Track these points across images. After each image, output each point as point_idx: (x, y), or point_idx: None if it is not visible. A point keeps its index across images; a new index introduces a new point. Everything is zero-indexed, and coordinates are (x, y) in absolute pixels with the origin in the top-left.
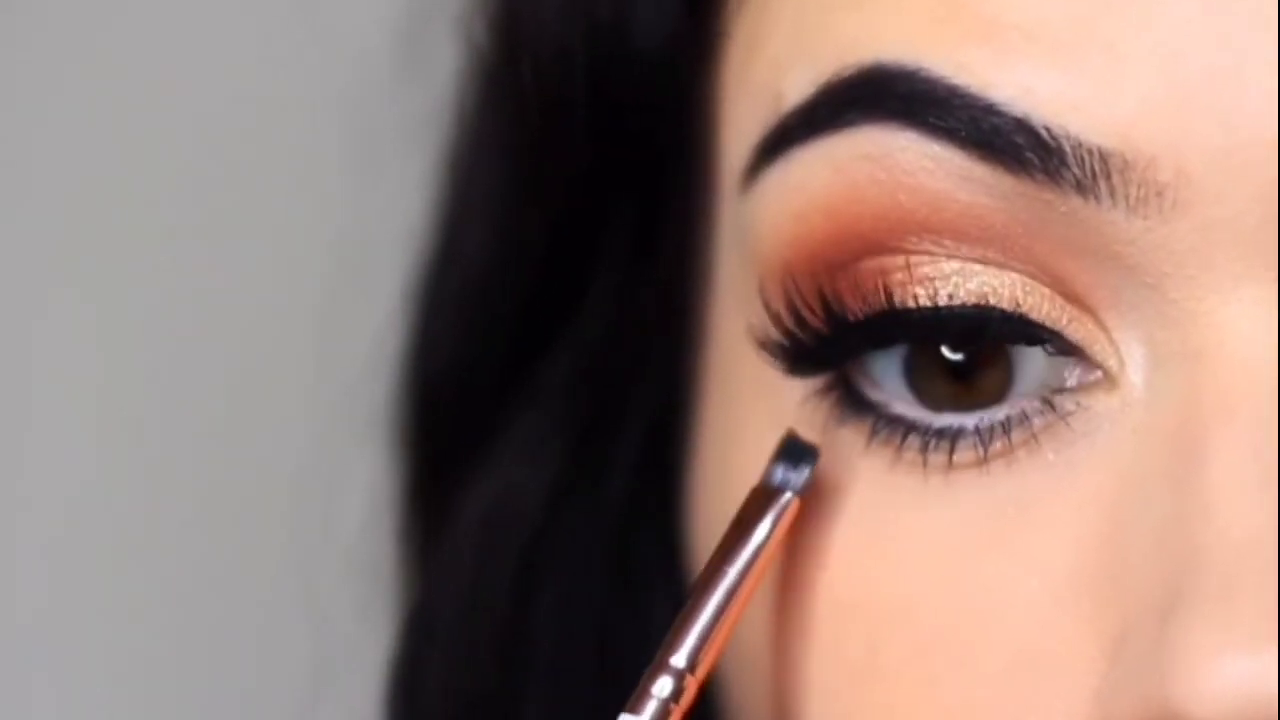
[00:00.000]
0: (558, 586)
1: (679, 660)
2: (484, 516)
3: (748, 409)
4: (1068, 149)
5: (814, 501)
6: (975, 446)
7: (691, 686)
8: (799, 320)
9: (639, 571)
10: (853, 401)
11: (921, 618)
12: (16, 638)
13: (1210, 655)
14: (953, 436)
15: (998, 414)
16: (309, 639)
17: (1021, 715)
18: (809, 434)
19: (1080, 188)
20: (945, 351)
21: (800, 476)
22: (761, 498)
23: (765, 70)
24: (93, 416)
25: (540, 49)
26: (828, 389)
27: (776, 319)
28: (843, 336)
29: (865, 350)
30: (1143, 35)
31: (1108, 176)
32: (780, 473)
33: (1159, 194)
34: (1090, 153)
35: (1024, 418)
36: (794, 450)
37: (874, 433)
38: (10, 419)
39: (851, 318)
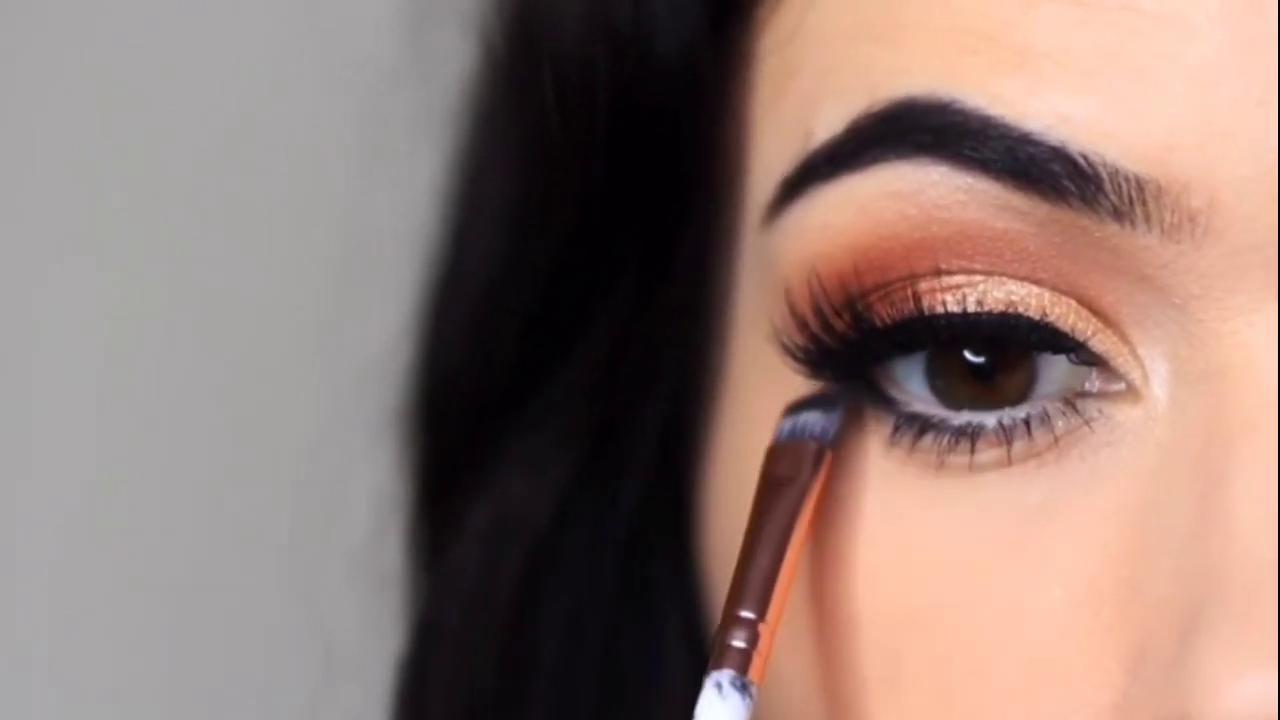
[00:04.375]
0: (564, 598)
1: (747, 611)
2: (490, 527)
3: (765, 416)
4: (1105, 176)
5: (833, 507)
6: (998, 445)
7: (765, 634)
8: (825, 325)
9: (648, 584)
10: (873, 401)
11: (942, 627)
12: (16, 645)
13: (1231, 674)
14: (973, 434)
15: (1019, 413)
16: (314, 647)
17: None
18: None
19: (1117, 214)
20: (968, 354)
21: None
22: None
23: (796, 106)
24: (96, 420)
25: (561, 58)
26: (848, 391)
27: (802, 323)
28: (869, 340)
29: (890, 355)
30: (1172, 64)
31: (1143, 203)
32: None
33: (1191, 220)
34: (1127, 180)
35: (1046, 417)
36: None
37: (894, 432)
38: (10, 422)
39: (880, 323)
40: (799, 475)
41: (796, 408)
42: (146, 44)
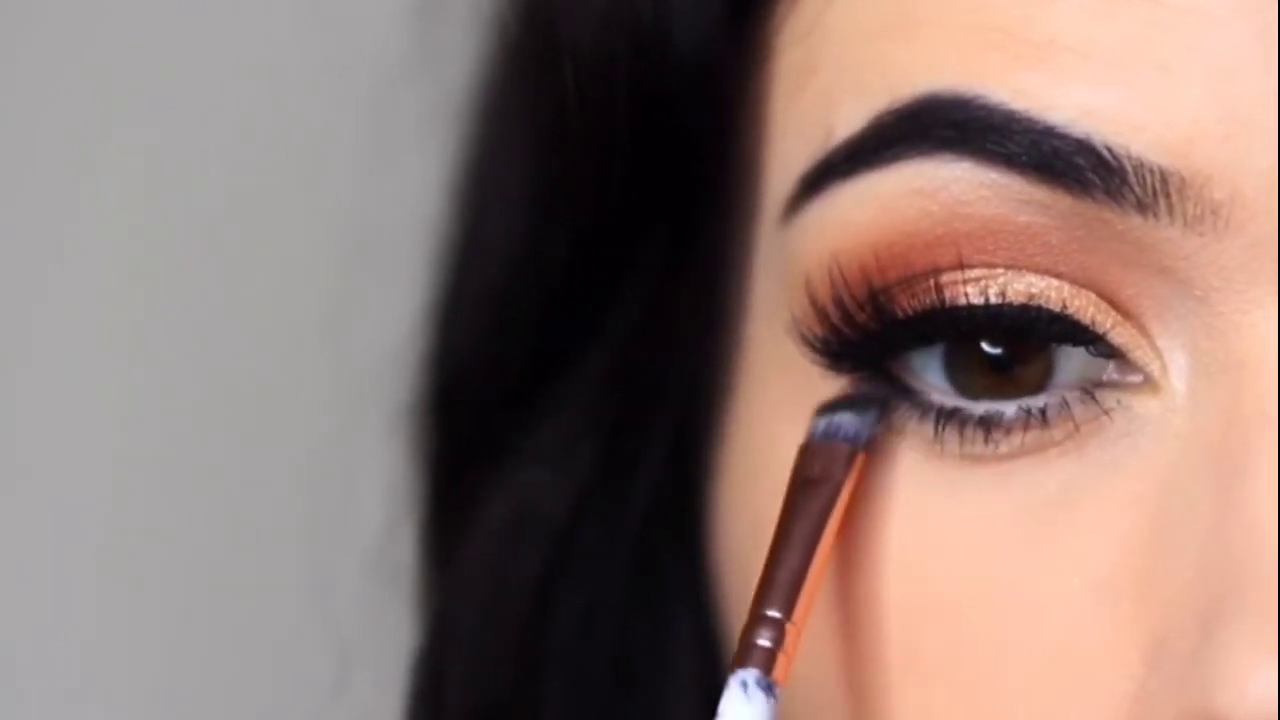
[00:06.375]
0: (579, 594)
1: (773, 610)
2: (506, 522)
3: (781, 408)
4: (1129, 169)
5: (855, 499)
6: (1018, 433)
7: (792, 633)
8: (846, 316)
9: (661, 580)
10: (894, 394)
11: (962, 618)
12: (20, 638)
13: (1254, 667)
14: (992, 424)
15: (1037, 401)
16: (328, 643)
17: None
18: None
19: (1141, 206)
20: (985, 346)
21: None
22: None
23: (815, 102)
24: (108, 416)
25: (580, 50)
26: (866, 382)
27: (823, 315)
28: (890, 332)
29: (910, 346)
30: (1195, 57)
31: (1167, 195)
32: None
33: (1214, 212)
34: (1151, 172)
35: (1064, 405)
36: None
37: (915, 423)
38: (19, 420)
39: (901, 314)
40: (831, 476)
41: (830, 408)
42: (153, 40)
